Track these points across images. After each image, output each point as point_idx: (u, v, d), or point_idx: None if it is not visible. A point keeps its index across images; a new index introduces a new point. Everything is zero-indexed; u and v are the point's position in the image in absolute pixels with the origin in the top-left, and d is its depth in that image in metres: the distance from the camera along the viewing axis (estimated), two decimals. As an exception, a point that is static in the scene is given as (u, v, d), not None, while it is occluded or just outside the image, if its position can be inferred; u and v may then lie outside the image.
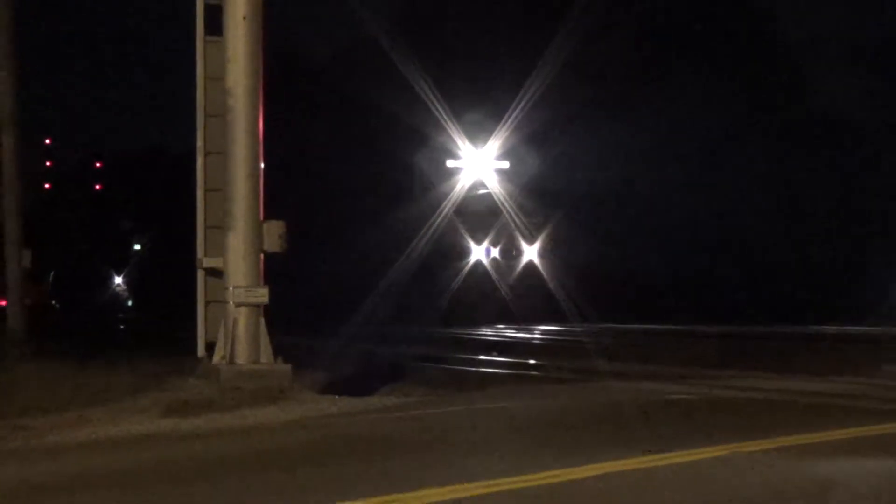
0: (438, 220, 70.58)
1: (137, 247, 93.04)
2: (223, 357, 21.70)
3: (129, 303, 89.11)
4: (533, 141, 74.60)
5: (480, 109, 73.05)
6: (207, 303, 22.40)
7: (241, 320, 21.48)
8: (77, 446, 16.60)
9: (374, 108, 77.75)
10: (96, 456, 15.80)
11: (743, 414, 21.19)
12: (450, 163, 71.58)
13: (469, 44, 79.75)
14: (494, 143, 70.31)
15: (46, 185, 68.56)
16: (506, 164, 72.67)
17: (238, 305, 21.43)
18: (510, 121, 67.71)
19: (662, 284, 71.58)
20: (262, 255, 21.87)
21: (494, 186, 72.29)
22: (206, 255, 22.25)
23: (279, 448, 16.75)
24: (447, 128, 68.94)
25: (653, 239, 77.41)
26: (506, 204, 72.18)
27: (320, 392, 22.75)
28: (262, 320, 21.97)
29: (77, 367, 23.45)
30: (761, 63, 76.68)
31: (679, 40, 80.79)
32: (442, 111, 67.59)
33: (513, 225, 73.48)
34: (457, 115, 69.55)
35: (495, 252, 75.34)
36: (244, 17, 21.23)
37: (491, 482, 13.03)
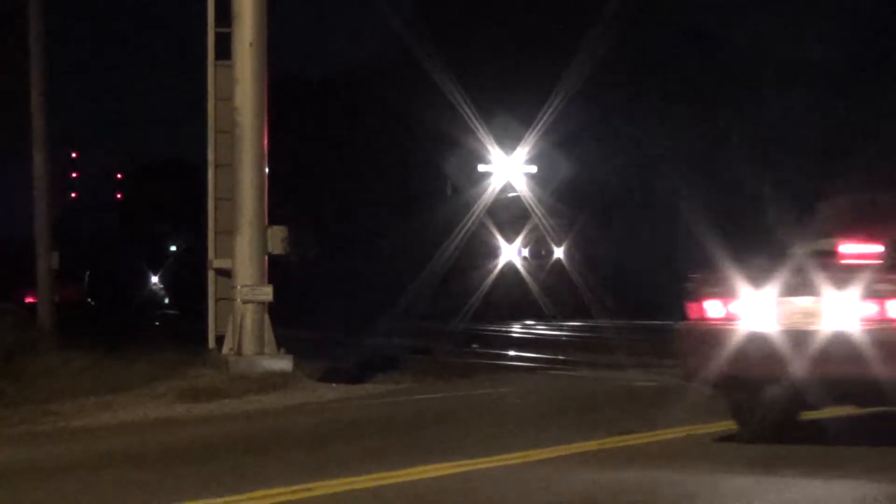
0: (469, 222, 70.32)
1: (173, 248, 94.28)
2: (231, 349, 23.06)
3: (166, 300, 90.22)
4: (562, 145, 73.38)
5: (510, 115, 72.28)
6: (217, 300, 23.79)
7: (248, 316, 22.85)
8: (101, 429, 17.42)
9: (406, 115, 77.16)
10: (118, 437, 16.51)
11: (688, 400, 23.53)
12: (480, 167, 71.74)
13: (498, 50, 79.90)
14: (524, 148, 70.25)
15: (73, 194, 70.96)
16: (534, 169, 72.54)
17: (245, 302, 22.80)
18: (539, 126, 67.11)
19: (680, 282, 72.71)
20: (266, 257, 23.20)
21: (523, 189, 72.12)
22: (216, 256, 23.70)
23: (281, 430, 17.58)
24: (477, 133, 68.98)
25: (673, 240, 77.07)
26: (534, 206, 71.72)
27: (320, 380, 23.85)
28: (267, 316, 23.23)
29: (101, 358, 24.19)
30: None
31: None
32: (472, 117, 67.77)
33: (542, 226, 72.82)
34: (487, 121, 69.60)
35: (525, 252, 74.71)
36: (251, 44, 22.69)
37: (467, 462, 13.48)
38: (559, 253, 75.84)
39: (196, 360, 23.54)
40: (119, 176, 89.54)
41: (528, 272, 74.37)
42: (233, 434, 17.09)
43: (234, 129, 22.93)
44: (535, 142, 69.59)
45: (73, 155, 75.44)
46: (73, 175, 74.67)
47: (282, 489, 11.89)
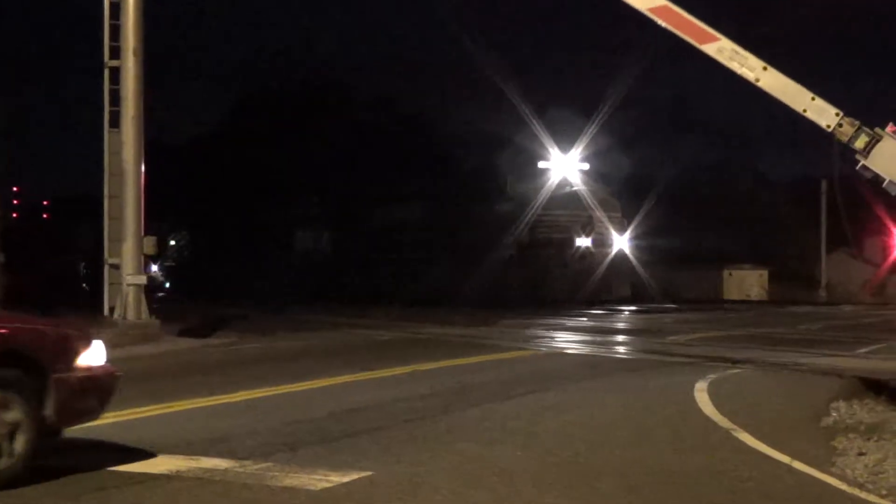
0: (530, 215, 65.53)
1: (172, 242, 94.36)
2: (120, 315, 26.62)
3: (167, 285, 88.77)
4: (618, 143, 69.49)
5: (567, 113, 67.80)
6: (110, 284, 27.17)
7: (131, 294, 26.74)
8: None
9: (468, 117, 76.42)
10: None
11: (421, 347, 25.43)
12: (540, 164, 66.43)
13: (554, 51, 79.09)
14: (580, 145, 64.91)
15: (14, 214, 75.35)
16: (587, 166, 67.25)
17: (129, 285, 26.70)
18: (595, 122, 61.86)
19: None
20: (143, 257, 27.02)
21: (579, 184, 67.14)
22: (109, 256, 27.13)
23: (151, 368, 20.04)
24: (537, 133, 63.53)
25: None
26: (590, 199, 66.89)
27: (179, 336, 27.91)
28: (143, 293, 26.84)
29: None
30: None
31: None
32: (531, 118, 62.62)
33: (597, 218, 67.47)
34: (545, 120, 64.25)
35: (587, 242, 68.09)
36: (132, 117, 26.71)
37: (270, 389, 16.15)
38: (621, 242, 69.58)
39: (96, 323, 25.60)
40: (45, 202, 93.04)
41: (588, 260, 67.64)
42: (120, 371, 18.49)
43: (122, 174, 26.70)
44: (593, 138, 64.12)
45: (15, 189, 79.84)
46: (14, 202, 78.72)
47: (150, 406, 14.15)
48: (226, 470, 9.93)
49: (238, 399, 14.98)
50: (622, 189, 71.04)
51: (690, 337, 30.36)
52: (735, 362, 21.46)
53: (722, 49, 12.53)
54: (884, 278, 68.82)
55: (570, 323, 37.31)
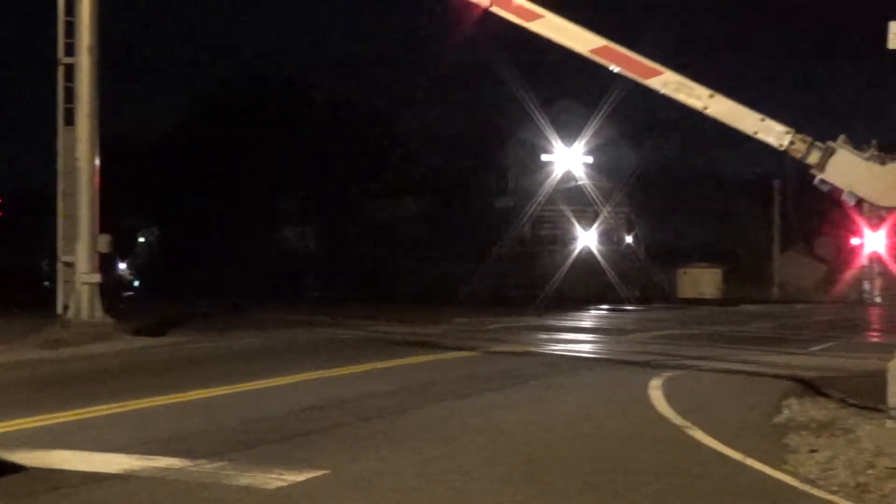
0: (532, 209, 63.47)
1: (142, 239, 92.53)
2: (74, 314, 26.23)
3: (136, 283, 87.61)
4: (623, 136, 67.31)
5: (570, 105, 64.32)
6: (64, 282, 26.72)
7: (85, 292, 26.31)
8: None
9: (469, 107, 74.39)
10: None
11: (380, 346, 25.29)
12: (544, 157, 62.12)
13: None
14: (584, 139, 59.39)
15: None
16: (590, 159, 62.04)
17: (83, 284, 26.28)
18: (600, 116, 56.00)
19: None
20: (97, 255, 26.59)
21: (583, 178, 64.16)
22: (63, 254, 26.69)
23: (104, 367, 20.11)
24: (539, 125, 58.92)
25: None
26: (594, 194, 64.79)
27: (134, 334, 27.59)
28: (97, 292, 26.48)
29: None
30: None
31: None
32: (534, 109, 58.27)
33: (603, 214, 65.83)
34: (548, 112, 59.78)
35: (592, 238, 65.85)
36: (87, 115, 26.43)
37: (225, 388, 15.99)
38: (629, 239, 68.20)
39: (51, 322, 26.32)
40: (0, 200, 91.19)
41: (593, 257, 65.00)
42: (76, 371, 19.30)
43: (76, 171, 26.45)
44: (597, 131, 58.35)
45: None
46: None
47: (105, 405, 13.91)
48: (182, 469, 9.91)
49: (193, 398, 14.94)
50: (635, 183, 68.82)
51: (646, 335, 30.42)
52: (689, 361, 21.56)
53: (667, 82, 12.60)
54: (840, 276, 69.33)
55: (535, 322, 37.06)
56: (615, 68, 12.91)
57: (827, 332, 32.89)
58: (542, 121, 58.71)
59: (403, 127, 79.94)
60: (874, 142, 12.48)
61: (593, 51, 12.82)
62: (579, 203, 65.66)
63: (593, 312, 46.92)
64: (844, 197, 12.08)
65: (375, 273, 70.26)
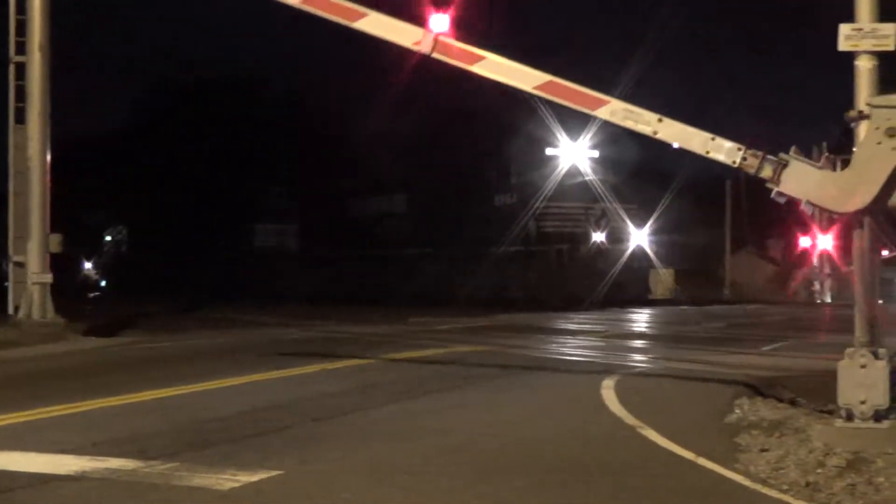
0: (535, 206, 61.20)
1: (108, 238, 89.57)
2: (25, 314, 26.26)
3: (103, 283, 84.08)
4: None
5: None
6: (15, 282, 26.72)
7: (36, 293, 26.29)
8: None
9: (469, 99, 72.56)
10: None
11: (333, 345, 25.09)
12: (548, 150, 60.79)
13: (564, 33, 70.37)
14: (589, 132, 58.36)
15: None
16: (596, 153, 61.37)
17: (34, 284, 26.24)
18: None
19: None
20: (48, 255, 26.56)
21: (590, 174, 62.10)
22: (14, 254, 26.64)
23: (55, 368, 20.08)
24: (544, 118, 55.64)
25: None
26: (602, 190, 62.13)
27: (84, 334, 27.38)
28: (49, 292, 26.44)
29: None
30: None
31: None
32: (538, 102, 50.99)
33: (612, 211, 63.42)
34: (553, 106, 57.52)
35: (601, 237, 63.98)
36: (38, 113, 26.46)
37: (176, 388, 15.93)
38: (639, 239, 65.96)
39: (1, 323, 26.42)
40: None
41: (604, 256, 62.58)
42: (30, 371, 19.41)
43: (27, 171, 26.47)
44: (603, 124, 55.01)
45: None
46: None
47: (55, 406, 13.83)
48: (133, 470, 9.85)
49: (144, 399, 14.87)
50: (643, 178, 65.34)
51: (600, 335, 30.59)
52: (642, 361, 21.70)
53: (614, 111, 12.60)
54: (790, 277, 69.90)
55: (489, 322, 37.07)
56: (557, 100, 12.87)
57: (778, 331, 33.06)
58: (547, 114, 56.15)
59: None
60: (824, 144, 12.59)
61: (537, 87, 12.81)
62: (588, 199, 63.84)
63: (562, 313, 46.29)
64: (803, 206, 12.17)
65: (361, 273, 68.07)
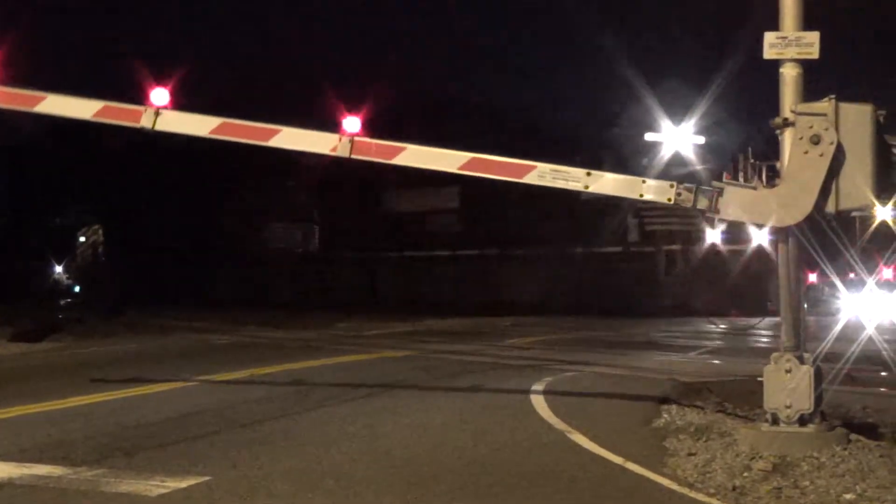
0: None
1: (82, 239, 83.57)
2: None
3: (77, 289, 78.60)
4: (736, 114, 53.67)
5: (679, 81, 54.21)
6: None
7: None
8: None
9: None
10: None
11: (261, 351, 25.73)
12: (648, 136, 52.85)
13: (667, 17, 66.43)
14: (693, 117, 49.85)
15: None
16: (702, 139, 52.02)
17: None
18: (712, 90, 43.16)
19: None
20: None
21: (695, 162, 52.26)
22: None
23: None
24: (644, 100, 49.83)
25: None
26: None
27: (11, 340, 27.53)
28: None
29: None
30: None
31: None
32: (638, 82, 49.67)
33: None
34: (654, 87, 49.77)
35: (717, 235, 54.62)
36: None
37: (103, 394, 16.01)
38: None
39: None
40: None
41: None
42: None
43: None
44: (708, 109, 46.77)
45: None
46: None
47: None
48: (60, 477, 9.83)
49: (70, 405, 14.80)
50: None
51: (527, 340, 30.76)
52: (571, 365, 21.86)
53: (542, 174, 12.58)
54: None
55: (421, 327, 37.14)
56: (483, 175, 12.85)
57: (708, 338, 33.23)
58: (648, 95, 49.87)
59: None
60: (749, 150, 12.69)
61: (461, 167, 12.82)
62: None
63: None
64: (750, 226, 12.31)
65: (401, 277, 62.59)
